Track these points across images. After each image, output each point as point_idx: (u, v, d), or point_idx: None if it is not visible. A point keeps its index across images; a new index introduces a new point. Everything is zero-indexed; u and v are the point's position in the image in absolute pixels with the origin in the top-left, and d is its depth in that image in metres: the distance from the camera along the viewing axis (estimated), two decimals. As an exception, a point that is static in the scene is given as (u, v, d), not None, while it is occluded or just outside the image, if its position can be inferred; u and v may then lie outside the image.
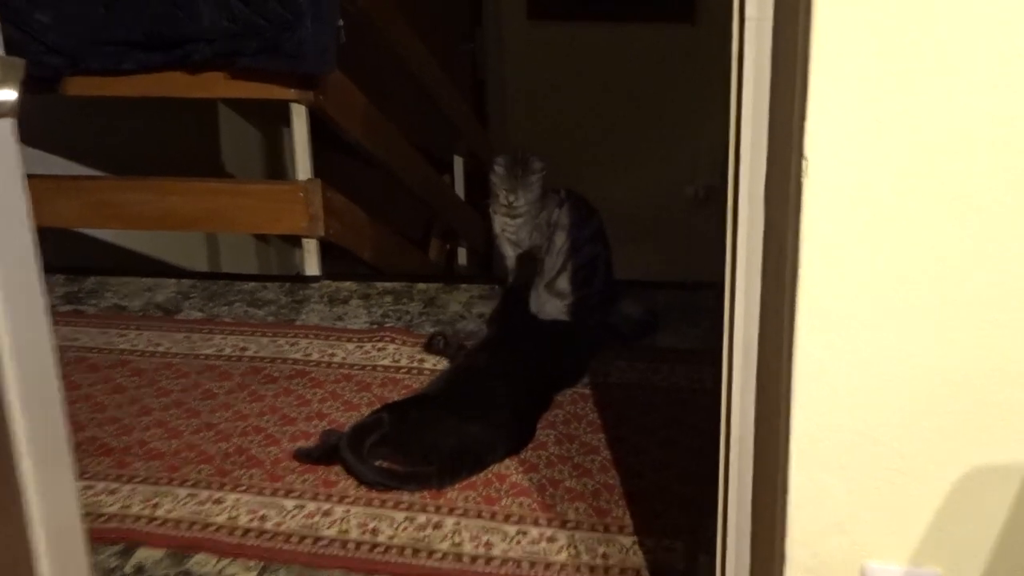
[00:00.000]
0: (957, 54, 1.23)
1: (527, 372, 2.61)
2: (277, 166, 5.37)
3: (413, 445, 2.38)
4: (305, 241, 3.36)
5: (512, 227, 2.91)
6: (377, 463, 2.36)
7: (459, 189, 5.21)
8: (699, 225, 5.36)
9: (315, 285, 3.29)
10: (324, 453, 2.42)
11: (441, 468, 2.35)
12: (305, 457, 2.44)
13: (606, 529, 2.21)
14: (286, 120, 4.93)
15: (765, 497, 1.55)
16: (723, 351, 1.57)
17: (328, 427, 2.54)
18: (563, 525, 2.23)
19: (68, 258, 3.53)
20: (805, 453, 1.39)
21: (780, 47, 1.38)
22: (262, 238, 5.09)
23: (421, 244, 5.05)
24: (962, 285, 1.29)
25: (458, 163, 5.14)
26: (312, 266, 3.36)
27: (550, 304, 2.96)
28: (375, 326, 3.04)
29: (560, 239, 2.93)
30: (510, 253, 2.95)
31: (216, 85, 3.24)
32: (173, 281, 3.36)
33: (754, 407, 1.56)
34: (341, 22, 3.13)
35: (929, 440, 1.35)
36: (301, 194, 3.27)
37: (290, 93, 3.21)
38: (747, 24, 1.39)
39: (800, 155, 1.29)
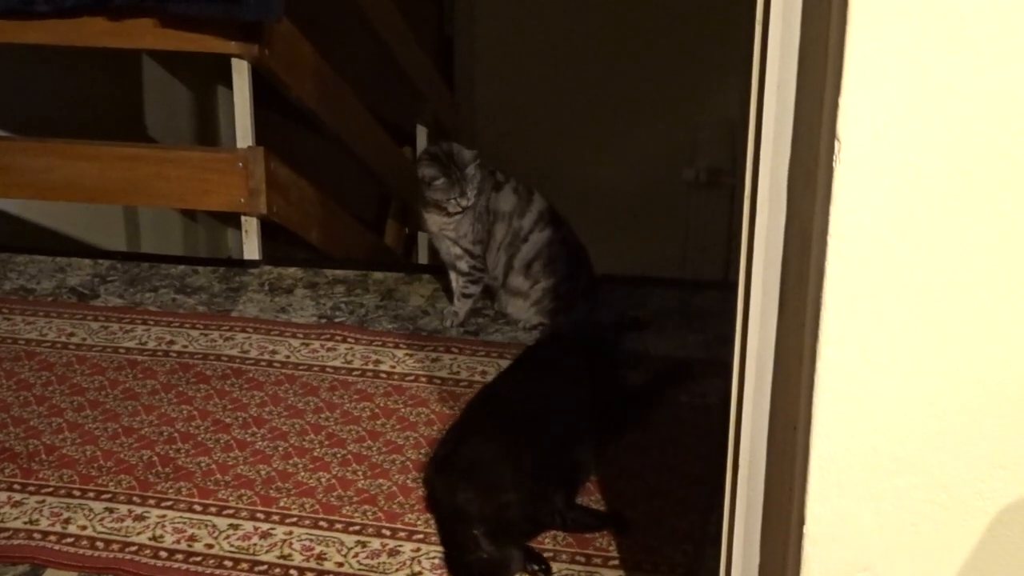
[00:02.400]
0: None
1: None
2: (208, 130, 5.36)
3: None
4: (243, 220, 3.37)
5: (451, 223, 2.93)
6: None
7: (421, 164, 5.21)
8: (700, 214, 5.38)
9: (254, 271, 3.29)
10: None
11: None
12: None
13: (588, 561, 2.23)
14: (220, 76, 4.93)
15: (777, 531, 1.57)
16: (733, 360, 1.59)
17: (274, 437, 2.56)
18: (539, 556, 2.25)
19: (-36, 232, 3.52)
20: (826, 480, 1.41)
21: (810, 11, 1.40)
22: (189, 214, 5.08)
23: (375, 226, 5.06)
24: (1018, 294, 1.31)
25: (421, 134, 5.14)
26: (251, 249, 3.36)
27: (511, 305, 2.99)
28: (324, 320, 3.05)
29: (500, 231, 2.95)
30: (453, 252, 2.96)
31: (143, 35, 3.23)
32: (89, 262, 3.36)
33: (767, 426, 1.58)
34: (293, -37, 3.14)
35: (975, 468, 1.37)
36: (240, 164, 3.28)
37: (230, 46, 3.21)
38: (774, -17, 1.41)
39: (832, 135, 1.31)
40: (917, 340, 1.36)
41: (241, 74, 3.28)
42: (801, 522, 1.45)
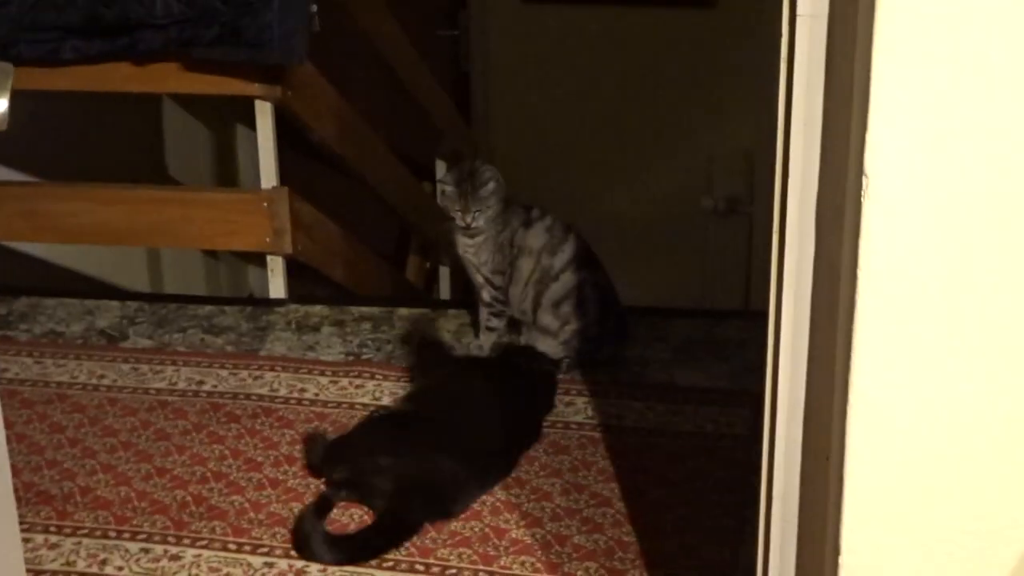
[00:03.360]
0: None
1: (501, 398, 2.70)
2: (228, 170, 5.39)
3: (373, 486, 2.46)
4: (269, 259, 3.40)
5: (472, 247, 2.96)
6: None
7: (441, 199, 5.24)
8: (718, 242, 5.40)
9: (280, 310, 3.32)
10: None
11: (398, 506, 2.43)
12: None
13: (621, 593, 2.25)
14: (240, 117, 4.98)
15: (812, 561, 1.59)
16: (765, 392, 1.61)
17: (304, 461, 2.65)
18: (571, 588, 2.27)
19: (-7, 276, 3.55)
20: (861, 512, 1.43)
21: (836, 47, 1.43)
22: (211, 253, 5.11)
23: (397, 261, 5.09)
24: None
25: (440, 168, 5.18)
26: (277, 288, 3.39)
27: (541, 343, 3.00)
28: (352, 358, 3.08)
29: (526, 266, 2.97)
30: (477, 278, 3.00)
31: (167, 79, 3.28)
32: (116, 304, 3.39)
33: (800, 458, 1.60)
34: (315, 6, 3.17)
35: (1009, 497, 1.39)
36: (265, 204, 3.31)
37: (253, 88, 3.25)
38: (799, 22, 1.43)
39: (859, 171, 1.33)
40: (949, 372, 1.38)
41: (264, 115, 3.31)
42: (836, 552, 1.47)
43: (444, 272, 5.35)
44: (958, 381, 1.38)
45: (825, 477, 1.50)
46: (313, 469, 2.60)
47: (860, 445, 1.42)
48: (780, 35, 1.46)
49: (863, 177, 1.33)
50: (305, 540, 2.37)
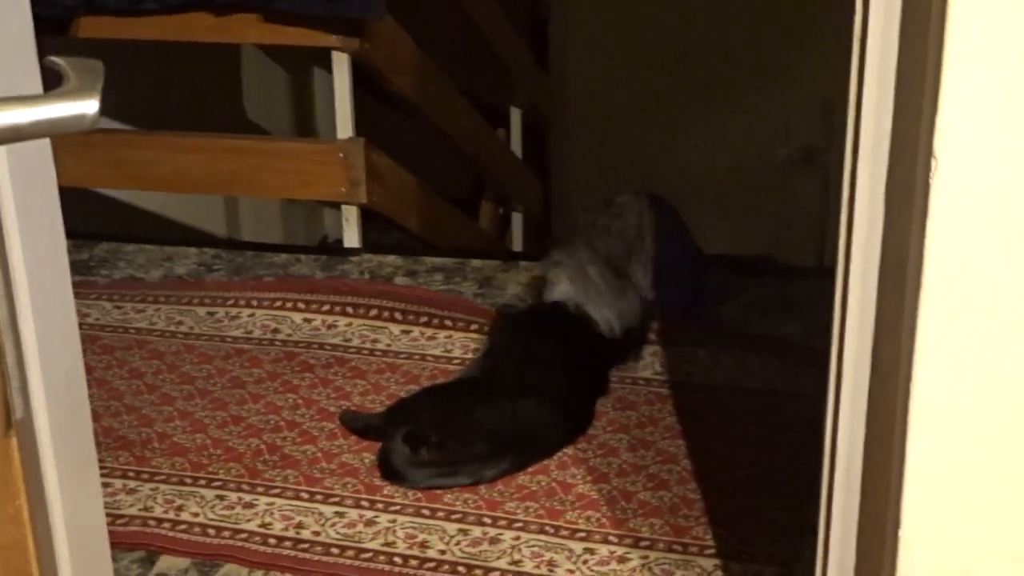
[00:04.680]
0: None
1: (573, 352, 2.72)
2: (305, 113, 5.43)
3: (457, 429, 2.49)
4: (344, 208, 3.44)
5: None
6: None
7: (515, 146, 5.26)
8: (794, 193, 5.38)
9: (354, 259, 3.36)
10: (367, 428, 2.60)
11: (494, 451, 2.45)
12: (351, 423, 2.62)
13: (685, 550, 2.28)
14: (317, 60, 5.00)
15: (874, 532, 1.61)
16: (831, 365, 1.62)
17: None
18: (636, 543, 2.30)
19: (76, 222, 3.60)
20: (922, 485, 1.44)
21: (910, 26, 1.43)
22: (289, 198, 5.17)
23: (469, 208, 5.11)
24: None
25: (515, 116, 5.19)
26: (352, 237, 3.43)
27: None
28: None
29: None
30: None
31: (248, 30, 3.31)
32: (194, 250, 3.45)
33: (864, 428, 1.62)
34: (393, -42, 3.19)
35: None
36: (341, 155, 3.35)
37: (332, 40, 3.28)
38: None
39: (929, 153, 1.34)
40: (1013, 351, 1.38)
41: (341, 67, 3.34)
42: (897, 525, 1.49)
43: (516, 219, 5.37)
44: (1021, 361, 1.39)
45: (888, 452, 1.52)
46: (368, 431, 2.63)
47: (922, 421, 1.43)
48: (852, 12, 1.46)
49: (932, 159, 1.33)
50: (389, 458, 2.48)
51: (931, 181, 1.34)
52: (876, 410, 1.59)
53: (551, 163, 5.87)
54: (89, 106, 0.92)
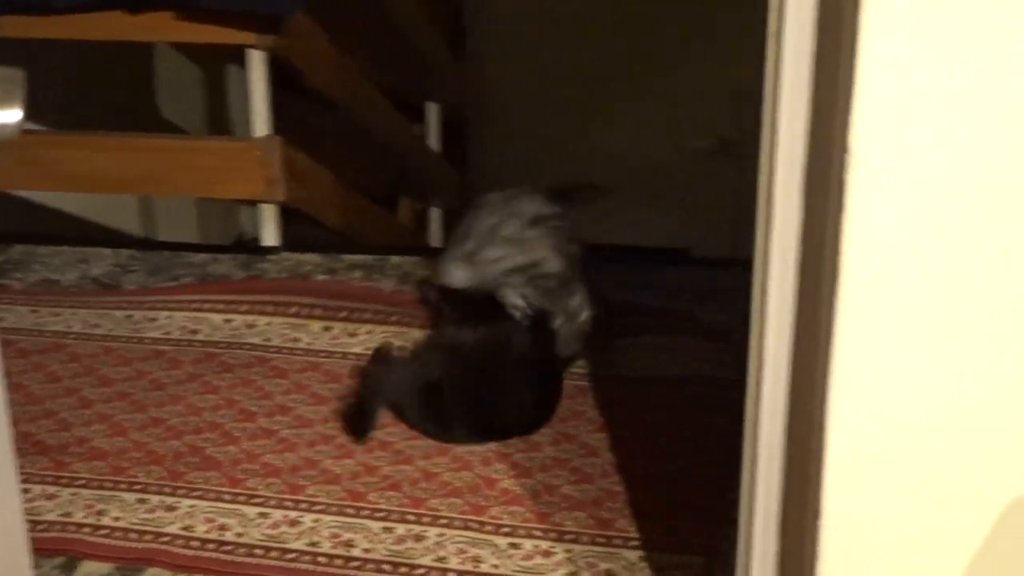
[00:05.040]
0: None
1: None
2: (220, 110, 5.39)
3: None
4: (262, 207, 3.42)
5: None
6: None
7: (433, 140, 5.26)
8: (708, 184, 5.41)
9: (273, 258, 3.35)
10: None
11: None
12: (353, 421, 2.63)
13: (609, 542, 2.29)
14: (231, 56, 4.96)
15: (796, 521, 1.63)
16: (751, 354, 1.65)
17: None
18: (561, 537, 2.31)
19: (-12, 224, 3.57)
20: (842, 476, 1.47)
21: (825, 23, 1.45)
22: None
23: (388, 204, 5.10)
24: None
25: (432, 110, 5.19)
26: (270, 236, 3.42)
27: None
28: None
29: None
30: None
31: (163, 28, 3.29)
32: (110, 252, 3.41)
33: (784, 421, 1.64)
34: (309, -47, 3.18)
35: (987, 462, 1.43)
36: (258, 153, 3.33)
37: (249, 37, 3.26)
38: (787, -1, 1.45)
39: (843, 149, 1.36)
40: (930, 340, 1.41)
41: (257, 64, 3.33)
42: (817, 513, 1.51)
43: (435, 214, 5.37)
44: (939, 350, 1.42)
45: (807, 441, 1.54)
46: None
47: (842, 410, 1.46)
48: (768, 9, 1.48)
49: (846, 154, 1.35)
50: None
51: (846, 176, 1.36)
52: (797, 402, 1.61)
53: (469, 156, 5.87)
54: (11, 115, 0.91)
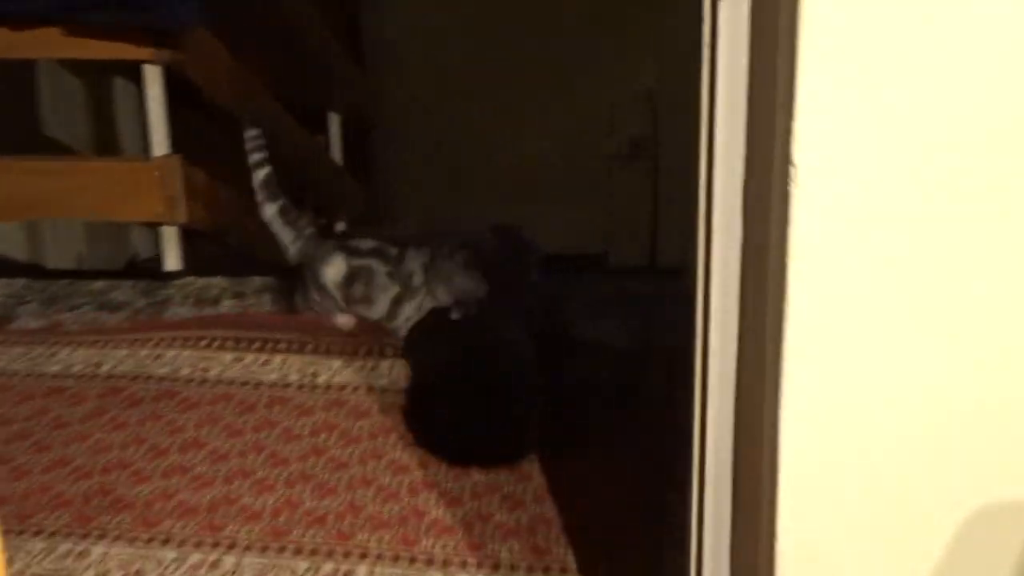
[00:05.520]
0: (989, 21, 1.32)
1: None
2: (108, 127, 5.31)
3: None
4: (163, 229, 3.39)
5: None
6: None
7: (336, 152, 5.24)
8: (622, 188, 5.43)
9: (177, 283, 3.32)
10: None
11: None
12: None
13: (546, 571, 2.29)
14: (118, 70, 4.90)
15: (746, 535, 1.64)
16: (694, 377, 1.66)
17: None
18: (495, 568, 2.30)
19: None
20: (797, 496, 1.48)
21: (760, 28, 1.46)
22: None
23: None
24: (981, 309, 1.39)
25: (334, 120, 5.17)
26: (172, 260, 3.39)
27: None
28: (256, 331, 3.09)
29: None
30: None
31: (49, 45, 3.25)
32: (1, 282, 3.36)
33: (731, 445, 1.65)
34: (205, -37, 3.16)
35: (941, 480, 1.45)
36: (157, 173, 3.30)
37: (146, 53, 3.23)
38: (720, 5, 1.47)
39: (786, 160, 1.37)
40: (880, 357, 1.43)
41: (154, 80, 3.30)
42: (772, 536, 1.52)
43: (340, 228, 5.34)
44: (889, 367, 1.43)
45: (759, 464, 1.55)
46: None
47: (793, 432, 1.47)
48: (702, 18, 1.49)
49: (790, 166, 1.37)
50: None
51: (790, 189, 1.38)
52: (744, 424, 1.62)
53: (373, 167, 5.86)
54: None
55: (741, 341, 1.60)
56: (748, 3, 1.45)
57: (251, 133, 3.06)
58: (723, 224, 1.55)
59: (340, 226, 5.32)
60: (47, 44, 3.24)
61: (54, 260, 4.53)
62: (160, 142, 3.34)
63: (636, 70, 5.17)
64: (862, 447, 1.48)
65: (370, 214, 5.67)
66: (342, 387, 2.84)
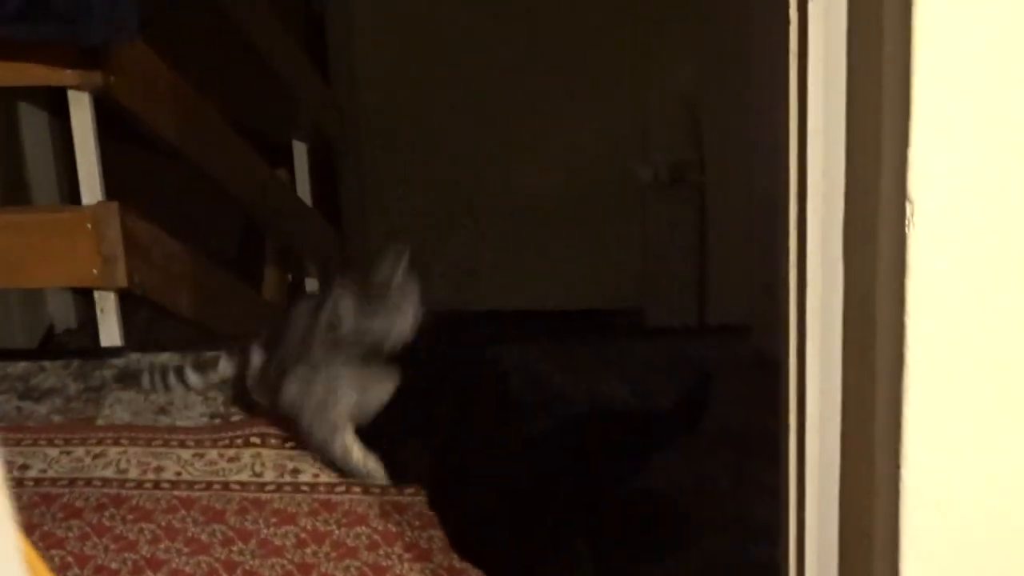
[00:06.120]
0: None
1: None
2: (13, 167, 5.26)
3: None
4: (97, 295, 3.42)
5: None
6: None
7: (303, 189, 5.27)
8: (661, 222, 5.43)
9: (118, 361, 3.34)
10: None
11: None
12: None
13: None
14: (23, 94, 4.90)
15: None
16: (787, 459, 1.69)
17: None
18: None
19: None
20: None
21: (858, 40, 1.50)
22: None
23: (249, 275, 5.10)
24: None
25: (300, 151, 5.21)
26: (111, 333, 3.41)
27: None
28: (218, 420, 3.11)
29: None
30: None
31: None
32: None
33: (836, 537, 1.69)
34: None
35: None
36: (89, 225, 3.33)
37: (67, 76, 3.27)
38: (811, 7, 1.51)
39: (902, 195, 1.40)
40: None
41: (82, 109, 3.33)
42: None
43: (312, 286, 5.36)
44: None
45: (868, 561, 1.58)
46: None
47: (916, 524, 1.50)
48: (786, 27, 1.53)
49: (907, 203, 1.39)
50: None
51: (908, 231, 1.41)
52: (849, 514, 1.65)
53: (344, 205, 5.83)
54: None
55: (845, 416, 1.64)
56: (845, 5, 1.48)
57: None
58: (820, 273, 1.58)
59: (310, 284, 5.35)
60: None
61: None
62: (92, 185, 3.35)
63: (673, 72, 5.15)
64: (992, 541, 1.51)
65: (343, 261, 5.65)
66: (331, 486, 2.87)
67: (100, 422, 3.15)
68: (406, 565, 2.64)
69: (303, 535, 2.75)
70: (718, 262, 4.63)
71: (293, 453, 2.97)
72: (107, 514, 2.83)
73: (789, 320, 1.65)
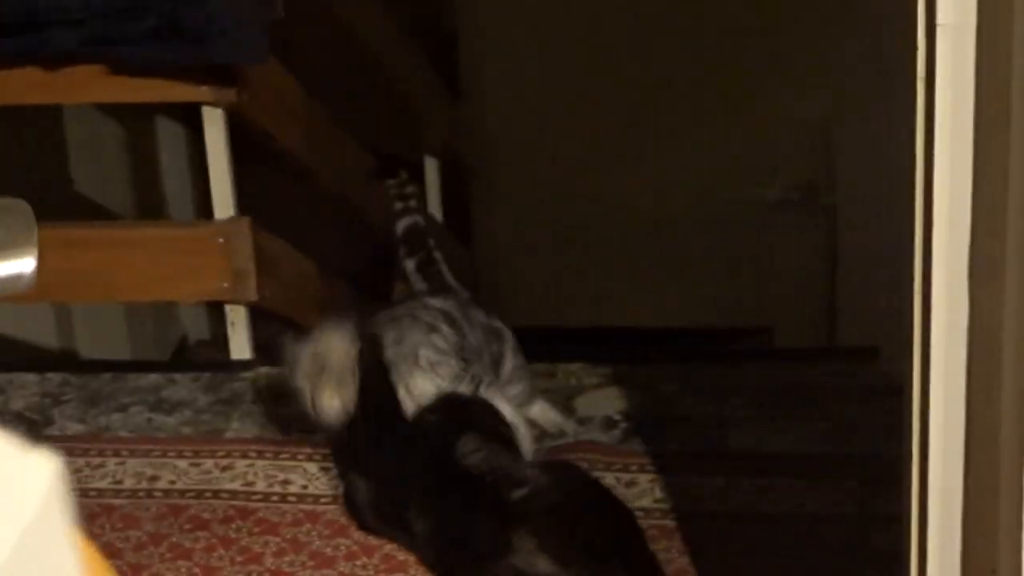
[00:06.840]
0: None
1: None
2: (148, 178, 5.33)
3: None
4: (228, 309, 3.45)
5: None
6: None
7: (433, 204, 5.29)
8: (787, 247, 5.41)
9: (247, 375, 3.36)
10: None
11: None
12: None
13: None
14: (161, 110, 4.96)
15: None
16: (910, 491, 1.67)
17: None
18: None
19: None
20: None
21: (986, 65, 1.49)
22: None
23: (380, 293, 5.11)
24: None
25: (431, 167, 5.22)
26: (241, 346, 3.44)
27: None
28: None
29: None
30: None
31: (87, 86, 3.33)
32: (34, 378, 3.42)
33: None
34: (279, -12, 3.23)
35: None
36: (221, 240, 3.36)
37: (201, 93, 3.30)
38: (939, 33, 1.49)
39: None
40: None
41: (215, 125, 3.35)
42: None
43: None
44: None
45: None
46: None
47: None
48: (915, 51, 1.51)
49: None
50: None
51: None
52: (973, 549, 1.63)
53: (474, 223, 5.85)
54: (25, 264, 0.93)
55: (968, 446, 1.62)
56: (974, 31, 1.47)
57: (391, 181, 3.15)
58: (945, 302, 1.56)
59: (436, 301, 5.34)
60: (85, 85, 3.30)
61: (87, 346, 4.59)
62: (224, 201, 3.37)
63: (804, 91, 5.13)
64: None
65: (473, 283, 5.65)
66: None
67: (229, 435, 3.17)
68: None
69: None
70: (848, 284, 4.59)
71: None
72: (233, 526, 2.86)
73: (913, 349, 1.63)
